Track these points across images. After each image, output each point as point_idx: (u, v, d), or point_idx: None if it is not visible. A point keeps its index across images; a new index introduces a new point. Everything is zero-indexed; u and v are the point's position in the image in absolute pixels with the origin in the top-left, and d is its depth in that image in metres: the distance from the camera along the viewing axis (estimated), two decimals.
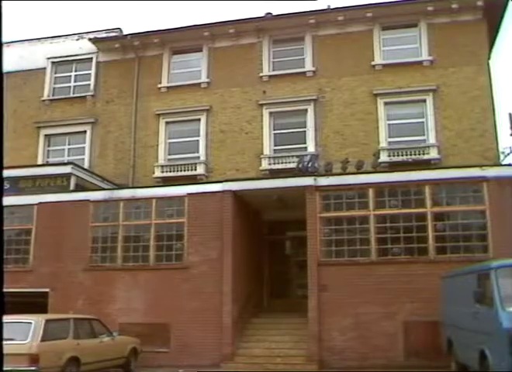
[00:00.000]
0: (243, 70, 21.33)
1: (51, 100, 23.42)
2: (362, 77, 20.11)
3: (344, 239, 14.97)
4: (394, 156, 19.01)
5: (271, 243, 19.20)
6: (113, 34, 23.18)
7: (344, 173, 16.73)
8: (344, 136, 19.74)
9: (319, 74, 20.64)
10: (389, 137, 19.48)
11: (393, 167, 18.33)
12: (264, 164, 20.12)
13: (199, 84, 21.82)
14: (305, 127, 20.39)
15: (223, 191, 16.07)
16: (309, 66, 20.87)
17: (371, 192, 14.94)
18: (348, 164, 17.30)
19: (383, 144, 19.33)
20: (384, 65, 20.08)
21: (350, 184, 15.25)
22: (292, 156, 19.40)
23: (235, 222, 15.92)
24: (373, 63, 20.17)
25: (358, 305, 14.15)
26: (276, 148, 20.55)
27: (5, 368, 9.26)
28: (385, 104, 19.78)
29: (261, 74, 21.20)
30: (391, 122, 19.66)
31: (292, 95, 20.52)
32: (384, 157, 18.99)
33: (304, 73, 20.83)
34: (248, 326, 15.98)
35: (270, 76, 21.16)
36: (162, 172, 21.08)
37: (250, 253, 17.09)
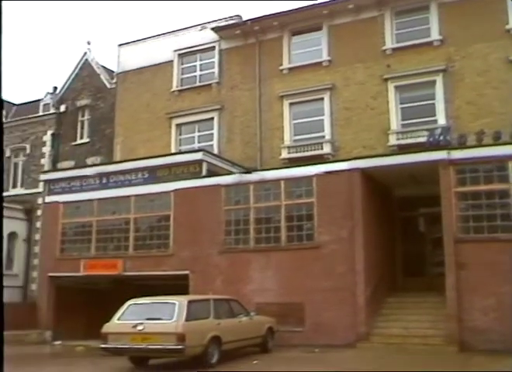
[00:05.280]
0: (365, 45, 20.80)
1: (180, 90, 24.45)
2: (496, 42, 18.71)
3: (483, 214, 14.23)
4: None
5: (403, 220, 18.69)
6: (233, 21, 23.62)
7: (480, 145, 15.76)
8: (478, 106, 18.58)
9: (447, 42, 19.56)
10: None
11: None
12: (392, 140, 19.56)
13: (321, 62, 21.62)
14: (434, 99, 19.50)
15: (351, 169, 15.89)
16: (435, 35, 19.84)
17: (511, 165, 13.99)
18: (484, 136, 16.26)
19: None
20: None
21: (487, 157, 14.40)
22: (422, 130, 18.64)
23: (364, 199, 15.70)
24: (508, 27, 18.68)
25: (500, 284, 13.39)
26: (404, 122, 19.88)
27: (154, 346, 9.94)
28: None
29: (383, 48, 20.55)
30: None
31: (419, 67, 19.65)
32: None
33: (430, 42, 19.86)
34: (383, 305, 15.77)
35: (393, 49, 20.43)
36: (289, 153, 21.26)
37: (381, 231, 16.78)
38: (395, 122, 19.87)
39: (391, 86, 20.19)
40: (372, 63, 20.59)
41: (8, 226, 24.74)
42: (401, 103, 20.11)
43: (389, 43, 20.57)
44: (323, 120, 21.21)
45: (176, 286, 15.87)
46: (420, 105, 19.70)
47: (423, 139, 17.64)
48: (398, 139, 19.53)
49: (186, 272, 17.39)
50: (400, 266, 18.25)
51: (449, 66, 19.32)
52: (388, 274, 17.10)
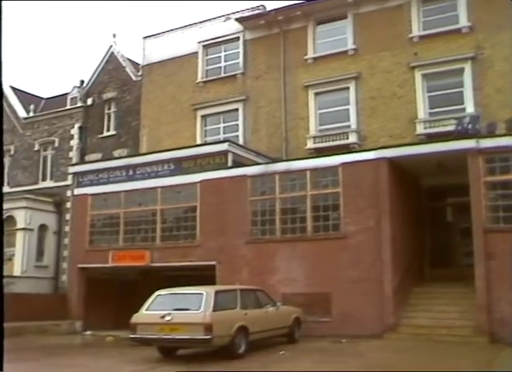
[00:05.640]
0: (391, 33, 20.52)
1: (204, 82, 24.49)
2: None
3: None
4: None
5: (431, 210, 18.49)
6: (257, 11, 23.51)
7: (509, 133, 15.45)
8: (507, 93, 18.16)
9: (475, 29, 19.14)
10: None
11: None
12: (420, 129, 19.30)
13: (346, 51, 21.42)
14: (462, 87, 19.16)
15: (378, 159, 15.78)
16: (464, 22, 19.44)
17: None
18: None
19: None
20: None
21: None
22: (450, 118, 18.35)
23: (391, 189, 15.57)
24: None
25: None
26: (431, 111, 19.60)
27: (182, 336, 10.05)
28: None
29: (410, 36, 20.23)
30: None
31: (447, 55, 19.30)
32: None
33: (459, 30, 19.47)
34: (410, 296, 15.67)
35: (420, 36, 20.11)
36: (314, 143, 21.16)
37: (408, 220, 16.63)
38: (422, 111, 19.61)
39: (418, 74, 19.90)
40: (399, 51, 20.31)
41: (39, 219, 25.22)
42: (428, 91, 19.81)
43: (416, 31, 20.25)
44: (348, 109, 21.04)
45: (203, 276, 16.00)
46: (448, 93, 19.38)
47: (451, 128, 17.38)
48: (425, 127, 19.27)
49: (213, 262, 17.51)
50: (428, 257, 18.08)
51: (478, 53, 18.95)
52: (415, 264, 16.96)
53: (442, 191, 18.03)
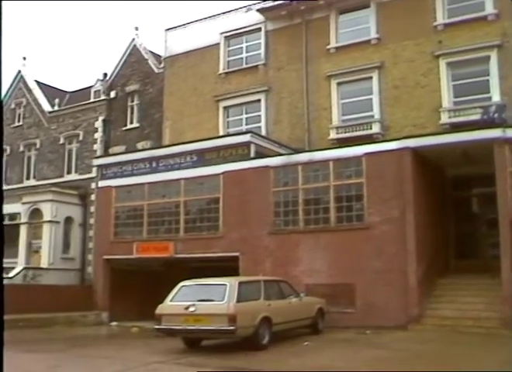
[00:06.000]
0: (414, 21, 20.19)
1: (226, 73, 24.47)
2: None
3: None
4: None
5: (456, 201, 18.27)
6: (279, 2, 23.35)
7: None
8: None
9: (501, 16, 18.72)
10: None
11: None
12: (444, 118, 19.03)
13: (369, 40, 21.18)
14: (488, 75, 18.81)
15: (402, 149, 15.62)
16: (489, 9, 19.05)
17: None
18: None
19: None
20: None
21: None
22: (475, 107, 18.06)
23: (416, 179, 15.41)
24: None
25: None
26: (456, 100, 19.30)
27: (206, 327, 10.07)
28: None
29: (435, 24, 19.89)
30: None
31: (472, 42, 18.94)
32: None
33: (484, 17, 19.06)
34: (435, 287, 15.53)
35: (445, 24, 19.75)
36: (337, 133, 21.02)
37: (433, 211, 16.46)
38: (446, 100, 19.32)
39: (442, 63, 19.59)
40: (423, 39, 20.00)
41: (65, 211, 25.57)
42: (453, 80, 19.51)
43: (441, 19, 19.90)
44: (371, 99, 20.84)
45: (226, 268, 16.05)
46: (473, 81, 19.05)
47: (476, 117, 17.13)
48: (450, 117, 18.99)
49: (236, 254, 17.56)
50: (453, 248, 17.90)
51: (504, 41, 18.56)
52: (440, 255, 16.80)
53: (467, 181, 17.80)
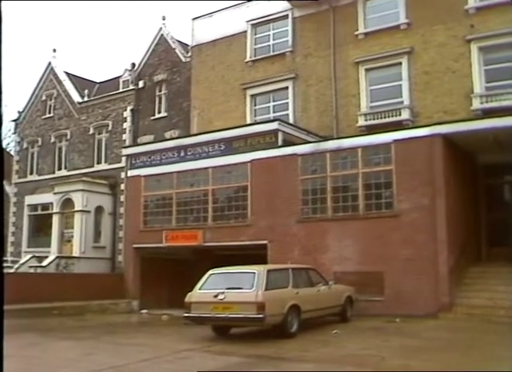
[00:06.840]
0: (445, 5, 19.76)
1: (253, 61, 24.37)
2: None
3: None
4: None
5: (487, 188, 17.94)
6: None
7: None
8: None
9: None
10: None
11: None
12: (476, 104, 18.64)
13: (398, 26, 20.82)
14: None
15: (432, 135, 15.36)
16: None
17: None
18: None
19: None
20: None
21: None
22: (508, 93, 17.63)
23: (446, 166, 15.16)
24: None
25: None
26: (488, 85, 18.86)
27: (235, 315, 10.10)
28: None
29: (466, 7, 19.42)
30: None
31: (504, 26, 18.42)
32: None
33: None
34: (466, 275, 15.31)
35: (477, 8, 19.26)
36: (366, 120, 20.78)
37: (464, 199, 16.20)
38: (478, 85, 18.90)
39: (474, 47, 19.15)
40: (454, 23, 19.56)
41: (95, 201, 25.91)
42: (485, 65, 19.07)
43: (472, 2, 19.41)
44: (400, 85, 20.53)
45: (254, 256, 16.08)
46: (506, 66, 18.57)
47: (509, 103, 16.72)
48: (482, 102, 18.58)
49: (264, 242, 17.58)
50: (485, 236, 17.61)
51: None
52: (471, 243, 16.55)
53: (500, 169, 17.44)
